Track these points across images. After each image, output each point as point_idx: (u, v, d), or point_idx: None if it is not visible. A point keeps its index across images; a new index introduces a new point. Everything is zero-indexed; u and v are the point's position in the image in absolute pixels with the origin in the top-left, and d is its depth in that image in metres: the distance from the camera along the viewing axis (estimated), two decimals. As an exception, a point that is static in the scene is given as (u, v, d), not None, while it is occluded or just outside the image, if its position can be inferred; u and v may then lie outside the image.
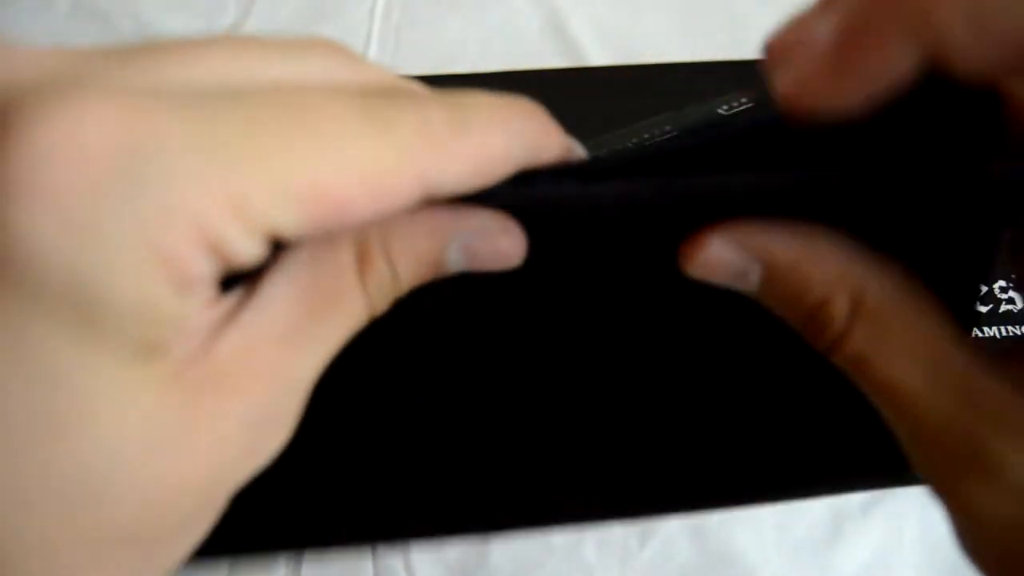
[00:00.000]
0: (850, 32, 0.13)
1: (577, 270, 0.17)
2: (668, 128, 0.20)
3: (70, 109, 0.11)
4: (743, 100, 0.16)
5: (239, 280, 0.13)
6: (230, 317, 0.13)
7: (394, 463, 0.22)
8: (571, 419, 0.22)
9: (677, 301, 0.17)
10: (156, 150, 0.11)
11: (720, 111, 0.18)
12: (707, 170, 0.14)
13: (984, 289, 0.33)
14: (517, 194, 0.14)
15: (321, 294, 0.13)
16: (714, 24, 0.46)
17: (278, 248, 0.13)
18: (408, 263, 0.14)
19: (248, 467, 0.13)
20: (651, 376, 0.21)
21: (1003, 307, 0.33)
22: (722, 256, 0.15)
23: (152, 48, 0.12)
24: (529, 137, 0.14)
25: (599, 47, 0.45)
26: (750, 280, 0.15)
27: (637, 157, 0.15)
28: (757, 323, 0.16)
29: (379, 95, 0.13)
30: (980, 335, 0.34)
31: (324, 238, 0.13)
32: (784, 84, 0.13)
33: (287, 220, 0.12)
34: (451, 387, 0.20)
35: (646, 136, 0.19)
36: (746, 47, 0.43)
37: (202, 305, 0.12)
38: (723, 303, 0.16)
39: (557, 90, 0.38)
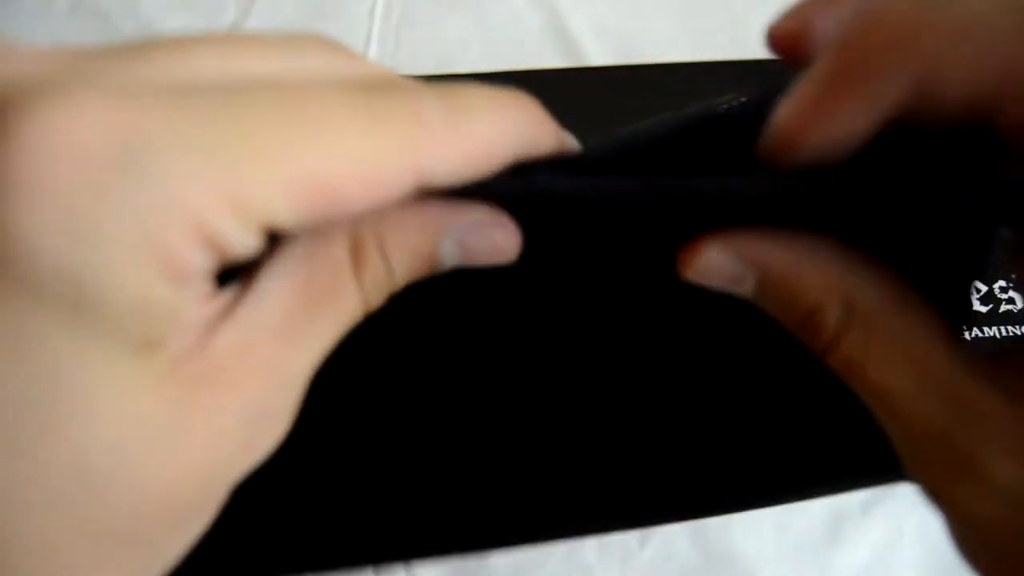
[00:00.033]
0: (842, 62, 0.13)
1: (573, 267, 0.17)
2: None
3: (67, 106, 0.11)
4: (743, 100, 0.16)
5: (235, 276, 0.13)
6: (226, 313, 0.13)
7: (392, 469, 0.22)
8: (568, 418, 0.21)
9: (672, 298, 0.17)
10: (152, 146, 0.11)
11: (720, 111, 0.18)
12: (698, 165, 0.15)
13: (982, 289, 0.33)
14: (511, 186, 0.14)
15: (316, 289, 0.14)
16: (714, 24, 0.46)
17: (274, 241, 0.13)
18: (402, 257, 0.14)
19: (245, 462, 0.14)
20: (648, 376, 0.21)
21: (1003, 307, 0.33)
22: (718, 263, 0.15)
23: (147, 46, 0.12)
24: (523, 129, 0.14)
25: (599, 47, 0.45)
26: (746, 286, 0.16)
27: (631, 151, 0.15)
28: (756, 321, 0.16)
29: (373, 88, 0.13)
30: (981, 335, 0.34)
31: (319, 232, 0.14)
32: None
33: (283, 211, 0.12)
34: (447, 388, 0.20)
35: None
36: (746, 47, 0.44)
37: (198, 300, 0.12)
38: (719, 300, 0.16)
39: (557, 90, 0.38)
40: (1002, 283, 0.34)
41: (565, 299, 0.18)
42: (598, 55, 0.45)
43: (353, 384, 0.18)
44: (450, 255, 0.15)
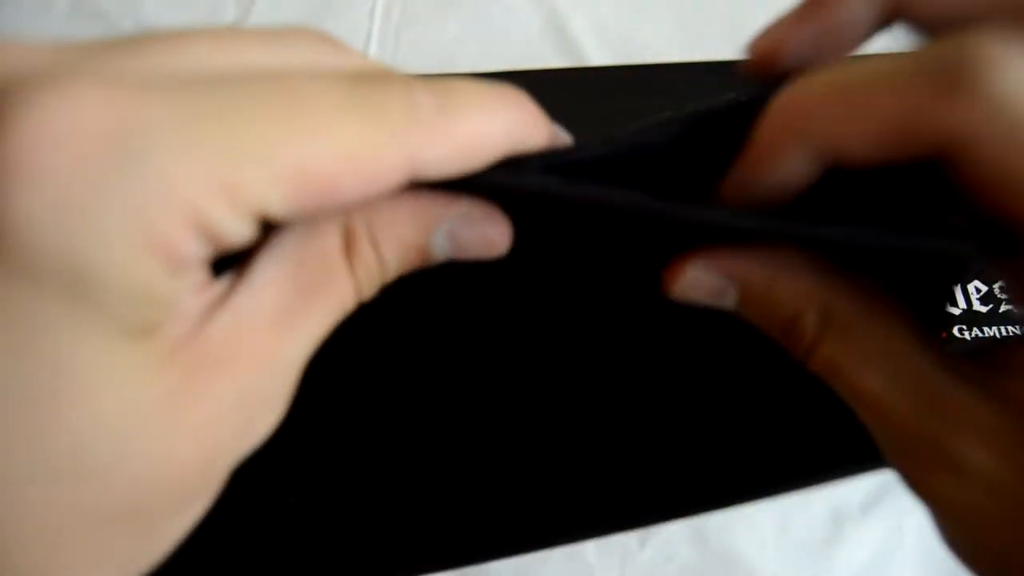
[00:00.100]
0: (758, 147, 0.14)
1: (564, 263, 0.17)
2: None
3: (63, 96, 0.11)
4: (742, 100, 0.16)
5: (230, 265, 0.13)
6: (221, 300, 0.13)
7: (390, 471, 0.21)
8: (564, 416, 0.21)
9: (662, 301, 0.17)
10: (147, 135, 0.11)
11: (719, 111, 0.18)
12: (693, 169, 0.15)
13: (956, 292, 0.34)
14: (503, 181, 0.14)
15: (309, 277, 0.14)
16: (714, 24, 0.46)
17: (269, 230, 0.13)
18: (394, 249, 0.14)
19: (240, 448, 0.14)
20: (645, 376, 0.21)
21: (1003, 307, 0.34)
22: (701, 281, 0.16)
23: (142, 39, 0.13)
24: (514, 122, 0.14)
25: (599, 47, 0.45)
26: (728, 300, 0.16)
27: (626, 150, 0.15)
28: (742, 327, 0.17)
29: (366, 80, 0.13)
30: (981, 335, 0.34)
31: (312, 222, 0.14)
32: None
33: (276, 201, 0.12)
34: (444, 388, 0.20)
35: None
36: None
37: (194, 288, 0.13)
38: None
39: (557, 90, 0.38)
40: (978, 284, 0.34)
41: (558, 296, 0.18)
42: (598, 55, 0.45)
43: (350, 384, 0.18)
44: (441, 247, 0.15)
